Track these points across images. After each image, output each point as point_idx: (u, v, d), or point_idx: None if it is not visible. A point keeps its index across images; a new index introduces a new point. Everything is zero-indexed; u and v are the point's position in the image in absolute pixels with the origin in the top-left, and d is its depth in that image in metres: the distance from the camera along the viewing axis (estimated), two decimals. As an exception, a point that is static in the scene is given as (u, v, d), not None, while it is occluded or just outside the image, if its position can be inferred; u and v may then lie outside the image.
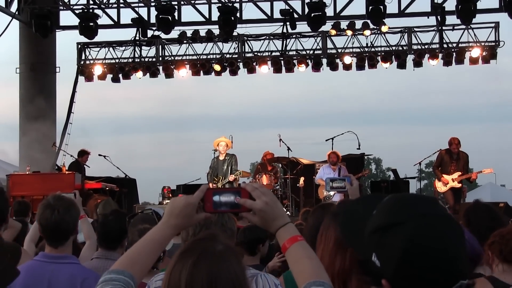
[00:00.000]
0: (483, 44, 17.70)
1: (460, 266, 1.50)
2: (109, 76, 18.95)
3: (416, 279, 1.46)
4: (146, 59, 18.93)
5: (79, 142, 17.33)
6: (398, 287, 1.49)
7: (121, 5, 18.18)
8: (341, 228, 1.71)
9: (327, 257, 1.98)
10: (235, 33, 17.78)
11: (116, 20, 18.62)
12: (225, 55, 18.70)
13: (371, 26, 17.36)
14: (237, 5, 17.53)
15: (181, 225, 2.22)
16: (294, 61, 18.30)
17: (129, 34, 18.74)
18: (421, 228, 1.48)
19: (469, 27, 17.59)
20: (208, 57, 18.73)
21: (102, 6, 17.76)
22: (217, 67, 18.51)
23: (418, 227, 1.48)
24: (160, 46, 18.86)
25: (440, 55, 17.78)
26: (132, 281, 2.10)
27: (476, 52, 17.55)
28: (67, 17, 18.77)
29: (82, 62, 19.03)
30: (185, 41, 18.60)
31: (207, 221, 2.98)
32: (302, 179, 15.41)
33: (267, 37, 18.57)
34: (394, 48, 18.12)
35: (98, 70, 18.79)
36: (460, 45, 17.91)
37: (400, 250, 1.46)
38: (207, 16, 18.39)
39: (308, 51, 18.48)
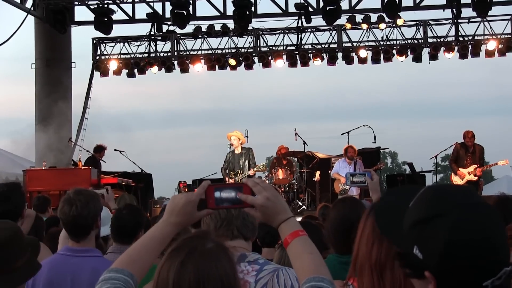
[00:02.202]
0: (499, 36, 17.60)
1: (503, 253, 1.48)
2: (124, 71, 18.98)
3: (461, 270, 1.45)
4: (161, 54, 18.99)
5: (94, 137, 17.32)
6: (442, 279, 1.48)
7: (136, 0, 18.24)
8: (377, 221, 1.69)
9: (364, 247, 1.97)
10: (250, 27, 17.79)
11: (131, 15, 18.64)
12: (240, 49, 18.69)
13: (386, 19, 17.28)
14: (251, -1, 17.52)
15: (182, 222, 2.21)
16: (309, 55, 18.26)
17: (144, 29, 18.82)
18: (462, 218, 1.47)
19: (485, 19, 17.50)
20: (223, 51, 18.74)
21: (117, 1, 17.75)
22: (232, 62, 18.53)
23: (459, 217, 1.47)
24: (175, 40, 18.90)
25: (456, 48, 17.69)
26: (132, 280, 2.10)
27: (492, 44, 17.46)
28: (82, 13, 18.82)
29: (97, 57, 19.14)
30: (200, 36, 18.62)
31: (228, 216, 2.96)
32: (318, 173, 15.41)
33: (282, 31, 18.55)
34: (409, 41, 18.05)
35: (113, 65, 18.84)
36: (476, 37, 17.82)
37: (442, 242, 1.45)
38: (222, 11, 18.38)
39: (323, 45, 18.45)
